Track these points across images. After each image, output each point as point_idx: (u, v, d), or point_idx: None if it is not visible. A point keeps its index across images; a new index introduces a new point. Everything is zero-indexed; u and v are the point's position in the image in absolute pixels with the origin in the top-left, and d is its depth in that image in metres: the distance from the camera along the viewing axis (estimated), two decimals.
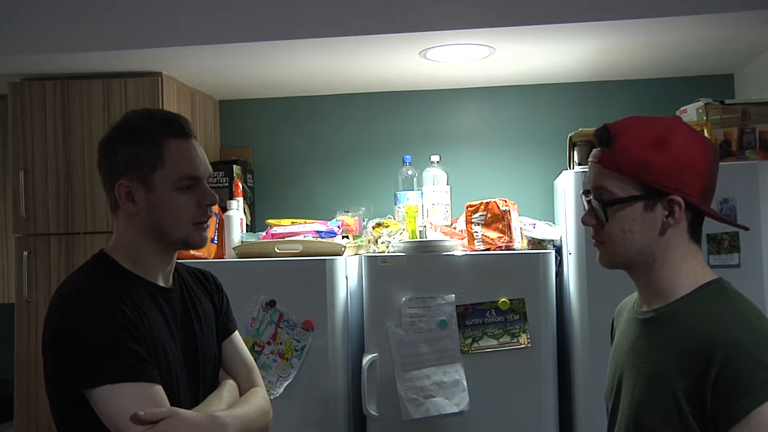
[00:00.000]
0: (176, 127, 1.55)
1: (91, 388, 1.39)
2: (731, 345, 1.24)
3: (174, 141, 1.54)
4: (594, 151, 1.44)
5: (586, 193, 1.46)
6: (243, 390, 1.68)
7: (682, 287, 1.38)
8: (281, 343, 2.67)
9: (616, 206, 1.37)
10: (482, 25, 2.52)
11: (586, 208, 1.45)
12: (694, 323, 1.32)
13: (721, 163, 1.44)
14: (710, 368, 1.23)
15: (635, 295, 1.53)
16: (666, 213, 1.35)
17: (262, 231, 3.01)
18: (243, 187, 3.20)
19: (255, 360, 1.79)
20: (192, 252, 2.73)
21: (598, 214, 1.40)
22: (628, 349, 1.44)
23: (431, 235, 2.95)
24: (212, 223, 2.93)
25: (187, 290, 1.67)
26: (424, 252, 2.75)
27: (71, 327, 1.43)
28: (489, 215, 2.75)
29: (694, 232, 1.40)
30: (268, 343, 2.68)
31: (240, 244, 2.88)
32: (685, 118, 2.70)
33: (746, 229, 1.51)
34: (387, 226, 2.97)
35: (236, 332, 1.77)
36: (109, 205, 1.59)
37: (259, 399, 1.65)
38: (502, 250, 2.73)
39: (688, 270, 1.39)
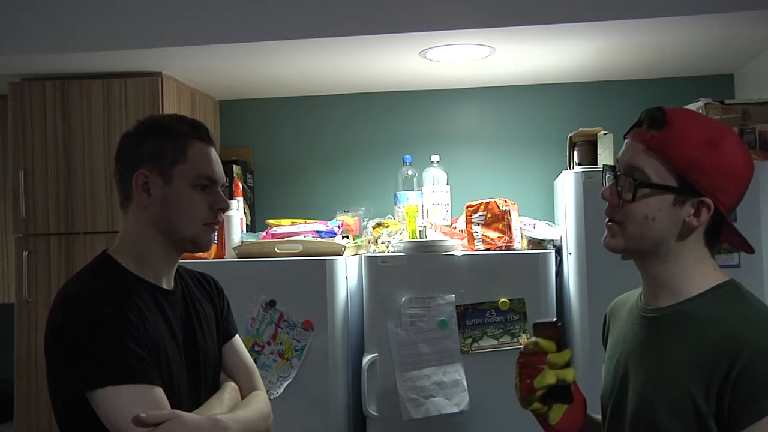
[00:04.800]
0: (202, 131, 1.61)
1: (93, 389, 1.39)
2: (758, 344, 1.22)
3: (198, 142, 1.58)
4: (636, 129, 1.37)
5: (612, 167, 1.39)
6: (244, 393, 1.68)
7: (695, 287, 1.34)
8: (281, 343, 2.67)
9: (647, 191, 1.32)
10: (482, 25, 2.52)
11: (607, 183, 1.39)
12: (715, 323, 1.29)
13: None
14: (734, 367, 1.21)
15: (634, 292, 1.49)
16: (692, 212, 1.32)
17: (262, 231, 3.01)
18: (243, 187, 3.21)
19: (255, 360, 1.79)
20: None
21: (623, 193, 1.35)
22: (635, 347, 1.40)
23: (431, 235, 2.96)
24: None
25: (188, 293, 1.67)
26: (424, 252, 2.75)
27: (73, 328, 1.43)
28: (489, 215, 2.75)
29: (710, 238, 1.36)
30: (268, 343, 2.68)
31: (240, 244, 2.88)
32: None
33: (752, 251, 1.43)
34: (387, 226, 2.98)
35: (237, 336, 1.78)
36: (119, 198, 1.60)
37: (260, 402, 1.65)
38: (502, 250, 2.73)
39: (702, 270, 1.35)
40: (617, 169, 1.38)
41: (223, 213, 1.62)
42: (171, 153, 1.55)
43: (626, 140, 1.39)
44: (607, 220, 1.40)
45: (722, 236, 1.39)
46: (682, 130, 1.31)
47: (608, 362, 1.50)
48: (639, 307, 1.43)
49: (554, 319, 1.44)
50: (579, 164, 2.93)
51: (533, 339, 1.42)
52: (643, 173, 1.33)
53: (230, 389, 1.65)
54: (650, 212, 1.33)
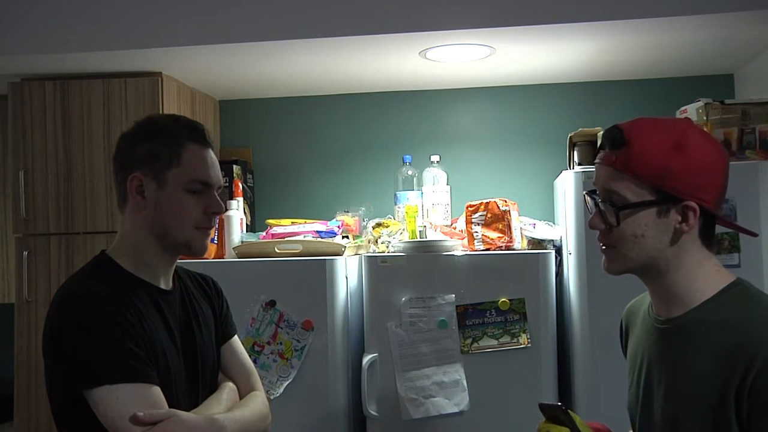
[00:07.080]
0: (198, 134, 1.59)
1: (90, 388, 1.40)
2: None
3: (193, 145, 1.57)
4: (602, 152, 1.37)
5: (591, 193, 1.39)
6: (242, 394, 1.68)
7: (702, 292, 1.33)
8: (281, 343, 2.67)
9: (628, 211, 1.31)
10: (482, 25, 2.52)
11: (592, 210, 1.39)
12: (726, 328, 1.27)
13: None
14: (749, 371, 1.20)
15: (646, 297, 1.47)
16: (679, 219, 1.30)
17: (262, 231, 3.00)
18: (243, 187, 3.20)
19: (254, 360, 1.79)
20: None
21: (608, 218, 1.34)
22: (653, 359, 1.39)
23: (431, 235, 2.95)
24: None
25: (186, 293, 1.67)
26: (424, 252, 2.75)
27: (71, 328, 1.43)
28: (489, 215, 2.75)
29: (706, 237, 1.34)
30: (268, 343, 2.68)
31: (240, 244, 2.88)
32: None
33: (755, 235, 1.44)
34: (387, 226, 2.97)
35: (235, 336, 1.77)
36: (117, 200, 1.61)
37: (258, 403, 1.65)
38: (502, 250, 2.73)
39: (705, 274, 1.34)
40: (597, 195, 1.38)
41: (217, 216, 1.60)
42: (165, 156, 1.54)
43: (596, 165, 1.39)
44: (601, 245, 1.40)
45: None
46: (643, 143, 1.30)
47: (630, 372, 1.48)
48: (651, 317, 1.42)
49: (558, 403, 1.43)
50: (579, 164, 2.92)
51: (545, 425, 1.42)
52: (620, 195, 1.32)
53: (228, 389, 1.65)
54: (638, 230, 1.32)
